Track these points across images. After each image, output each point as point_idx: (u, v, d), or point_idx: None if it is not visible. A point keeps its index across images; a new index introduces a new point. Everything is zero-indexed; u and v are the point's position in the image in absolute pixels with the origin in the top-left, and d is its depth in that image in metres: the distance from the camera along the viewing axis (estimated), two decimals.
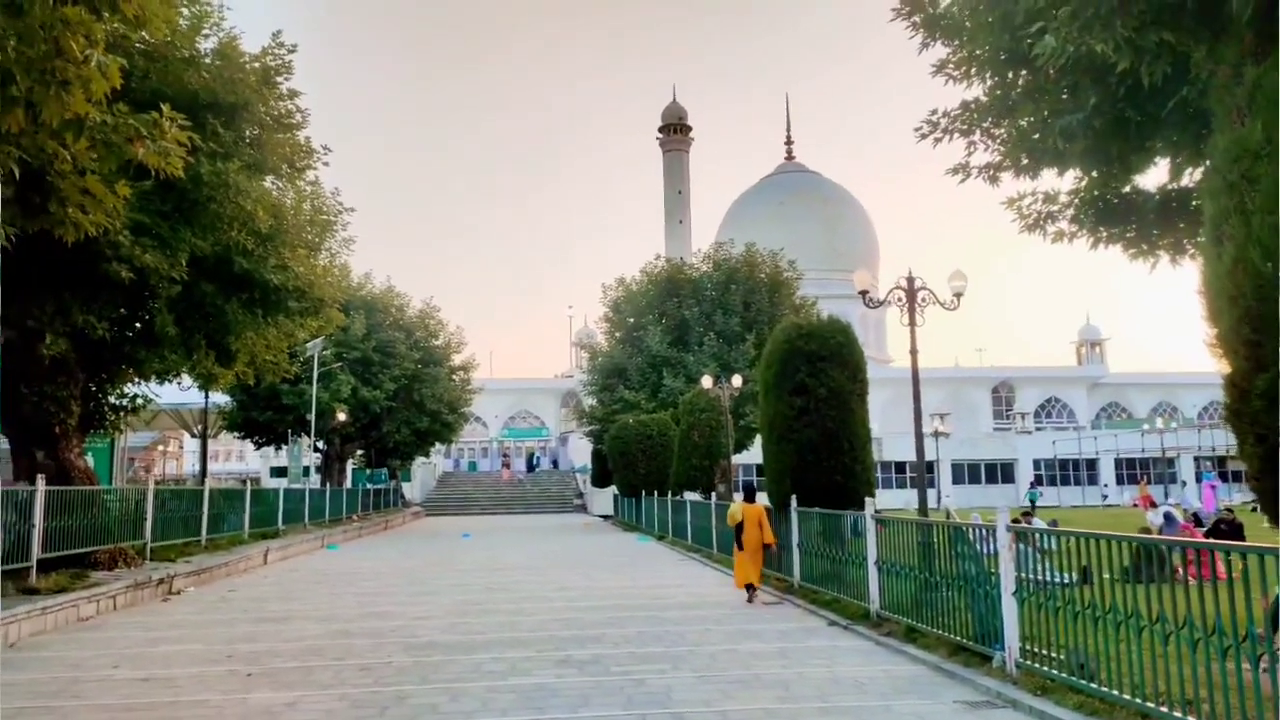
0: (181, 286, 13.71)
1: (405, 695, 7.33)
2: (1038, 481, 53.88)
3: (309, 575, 17.52)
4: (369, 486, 40.44)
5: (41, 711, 6.96)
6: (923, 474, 12.38)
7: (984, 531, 8.45)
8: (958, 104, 9.08)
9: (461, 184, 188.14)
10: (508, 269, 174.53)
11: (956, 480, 53.95)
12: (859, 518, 10.95)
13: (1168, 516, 19.10)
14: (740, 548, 13.10)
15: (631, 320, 38.64)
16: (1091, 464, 56.44)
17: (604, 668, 8.33)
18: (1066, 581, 6.98)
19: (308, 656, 9.01)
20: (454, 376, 43.36)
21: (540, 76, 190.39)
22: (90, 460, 16.78)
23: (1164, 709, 5.67)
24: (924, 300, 12.07)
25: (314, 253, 17.61)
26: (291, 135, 15.34)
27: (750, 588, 12.84)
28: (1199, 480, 47.31)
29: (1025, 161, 8.64)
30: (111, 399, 16.75)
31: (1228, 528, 16.74)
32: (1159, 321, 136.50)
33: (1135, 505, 40.93)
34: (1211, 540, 9.19)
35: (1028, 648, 7.34)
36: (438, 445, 50.15)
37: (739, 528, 13.10)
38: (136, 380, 16.97)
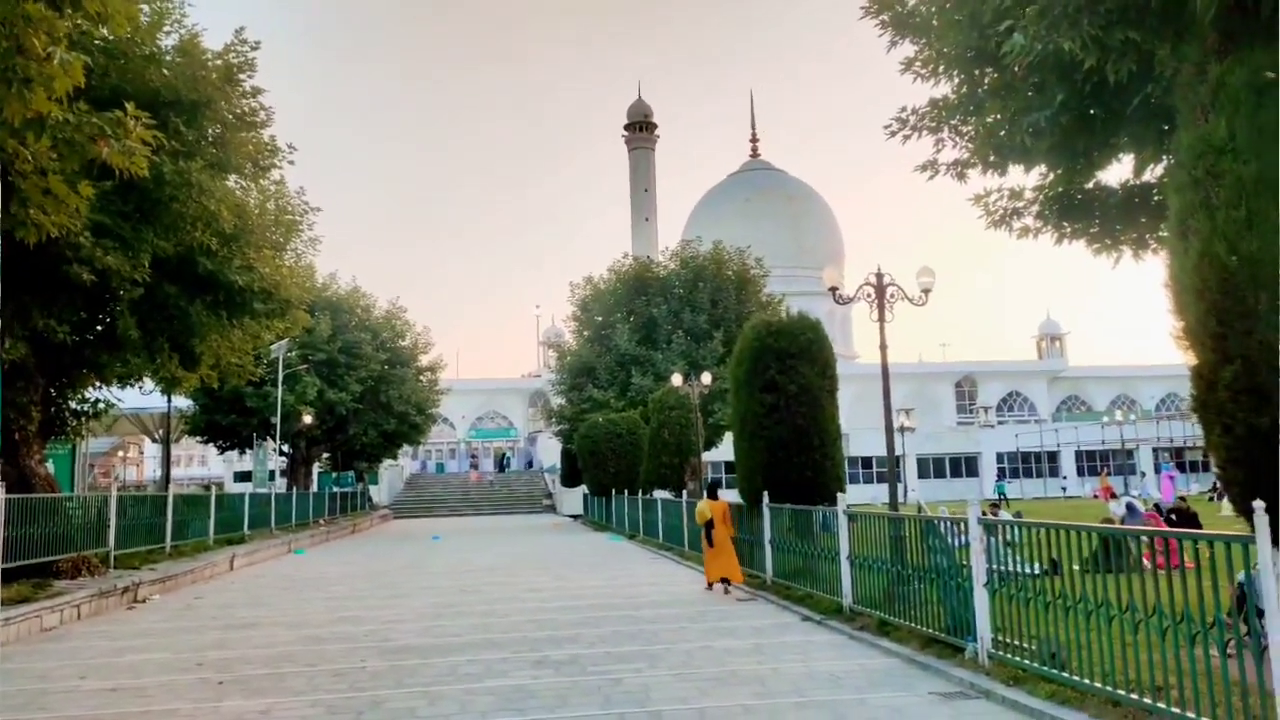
0: (144, 288, 13.49)
1: (381, 700, 7.26)
2: (1001, 474, 54.64)
3: (277, 581, 17.31)
4: (335, 490, 40.08)
5: None
6: (893, 468, 12.50)
7: (955, 525, 8.55)
8: (926, 102, 9.19)
9: (426, 183, 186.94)
10: (474, 269, 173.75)
11: (922, 474, 54.52)
12: (831, 513, 11.04)
13: (1130, 507, 19.42)
14: (710, 544, 13.46)
15: (600, 319, 38.59)
16: (1053, 456, 57.31)
17: (581, 668, 8.32)
18: (1036, 572, 7.09)
19: (279, 663, 8.89)
20: (421, 377, 43.06)
21: (504, 74, 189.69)
22: (51, 467, 16.45)
23: (1134, 696, 5.78)
24: (892, 296, 12.17)
25: (279, 253, 17.40)
26: (255, 133, 15.14)
27: (725, 581, 13.19)
28: (1158, 471, 48.21)
29: (993, 158, 8.76)
30: (72, 404, 16.42)
31: (1179, 517, 17.11)
32: (1116, 316, 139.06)
33: (1096, 496, 41.69)
34: (1179, 529, 9.36)
35: (999, 639, 7.43)
36: (405, 447, 49.81)
37: (708, 525, 13.46)
38: (98, 384, 16.64)
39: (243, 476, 46.93)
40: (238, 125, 14.61)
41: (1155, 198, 9.13)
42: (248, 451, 37.61)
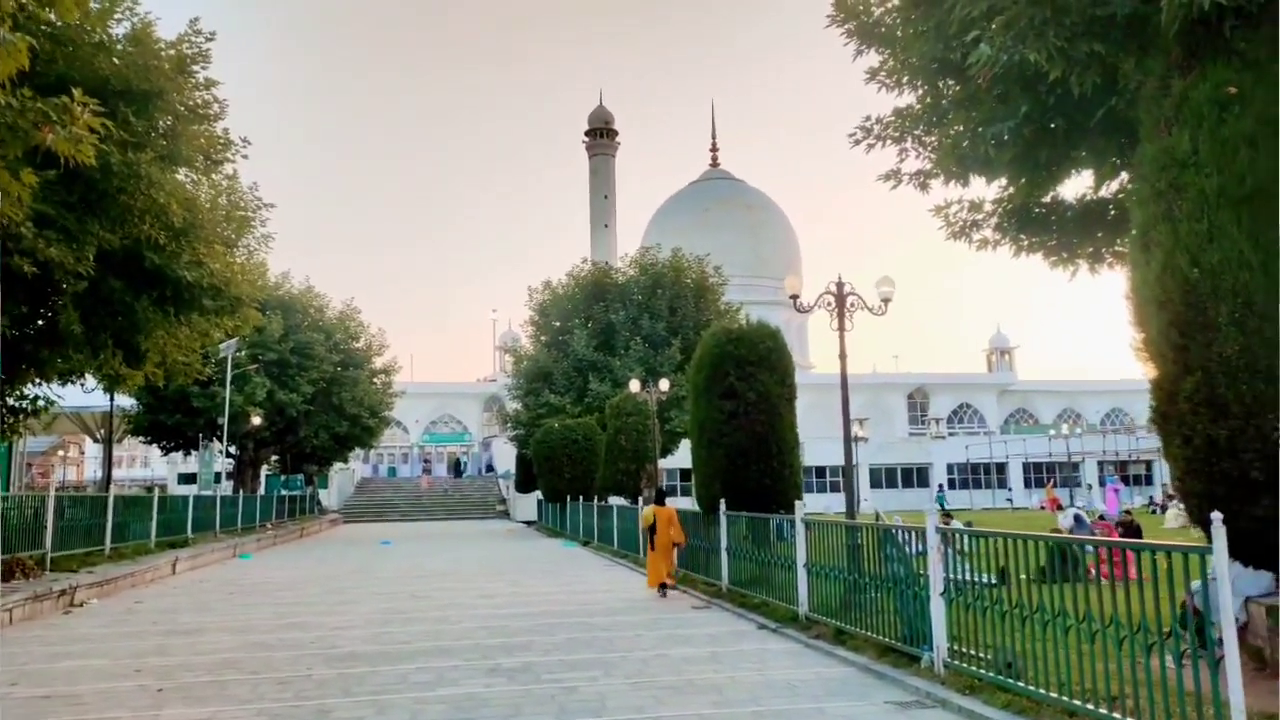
0: (88, 282, 13.08)
1: (328, 709, 7.05)
2: (951, 485, 55.33)
3: (221, 585, 16.87)
4: (284, 493, 39.33)
5: None
6: (851, 477, 12.53)
7: (911, 534, 8.56)
8: (890, 111, 9.23)
9: (383, 184, 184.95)
10: (431, 271, 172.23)
11: (874, 484, 54.98)
12: (787, 521, 11.02)
13: (1078, 518, 19.73)
14: (653, 548, 14.20)
15: (557, 324, 38.41)
16: (1001, 468, 58.15)
17: (534, 675, 8.17)
18: (990, 582, 7.11)
19: (222, 670, 8.62)
20: (375, 380, 42.50)
21: (464, 77, 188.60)
22: None
23: (1090, 706, 5.79)
24: (852, 305, 12.21)
25: (230, 249, 17.03)
26: (208, 126, 14.81)
27: (663, 586, 13.87)
28: (1102, 484, 49.15)
29: (955, 169, 8.81)
30: (10, 401, 15.89)
31: (1125, 530, 17.45)
32: (1060, 331, 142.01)
33: (1043, 508, 42.36)
34: (1134, 540, 9.48)
35: (956, 648, 7.44)
36: (357, 450, 49.09)
37: (652, 529, 14.21)
38: (38, 381, 16.12)
39: (187, 479, 45.89)
40: (190, 117, 14.28)
41: (1112, 212, 9.27)
42: (193, 453, 36.80)
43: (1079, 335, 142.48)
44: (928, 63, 8.05)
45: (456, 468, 64.68)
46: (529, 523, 42.04)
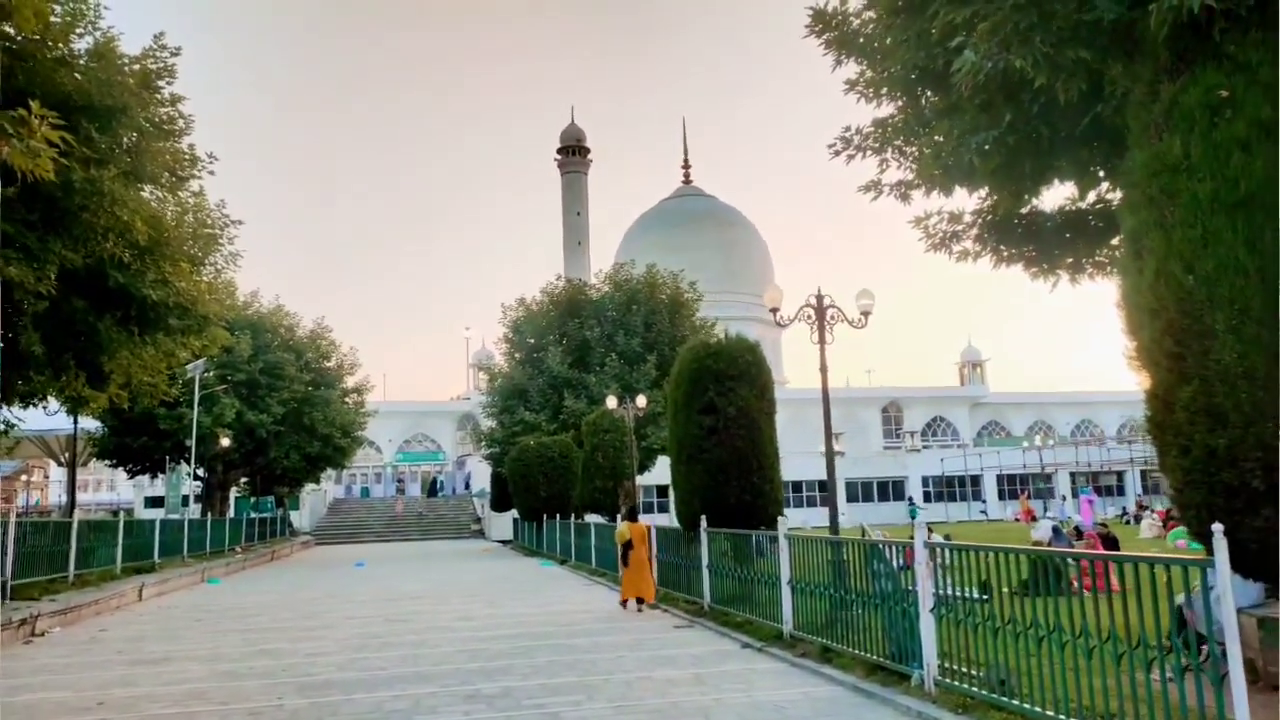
0: (49, 302, 12.72)
1: None
2: (926, 498, 55.49)
3: (189, 612, 16.42)
4: (254, 515, 38.62)
5: None
6: (834, 492, 12.40)
7: (898, 549, 8.42)
8: (870, 122, 9.16)
9: (354, 203, 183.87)
10: (403, 290, 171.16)
11: (850, 498, 55.00)
12: (770, 537, 10.85)
13: (1056, 530, 19.73)
14: (626, 564, 14.30)
15: (532, 341, 38.15)
16: (975, 480, 58.44)
17: (515, 701, 7.93)
18: (979, 597, 6.98)
19: (190, 701, 8.29)
20: (347, 399, 41.95)
21: (435, 95, 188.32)
22: None
23: None
24: (832, 318, 12.12)
25: (197, 267, 16.67)
26: (173, 142, 14.52)
27: (640, 600, 13.97)
28: (1075, 495, 49.50)
29: (937, 175, 8.73)
30: None
31: (1102, 542, 17.43)
32: (1030, 343, 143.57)
33: (1017, 519, 42.56)
34: (1137, 554, 9.41)
35: (946, 665, 7.29)
36: (329, 471, 48.41)
37: (626, 545, 14.32)
38: None
39: (154, 502, 45.02)
40: (155, 133, 13.99)
41: (1092, 223, 9.25)
42: (160, 476, 36.07)
43: (1047, 347, 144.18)
44: (908, 72, 7.99)
45: (433, 487, 63.89)
46: (505, 542, 41.59)
